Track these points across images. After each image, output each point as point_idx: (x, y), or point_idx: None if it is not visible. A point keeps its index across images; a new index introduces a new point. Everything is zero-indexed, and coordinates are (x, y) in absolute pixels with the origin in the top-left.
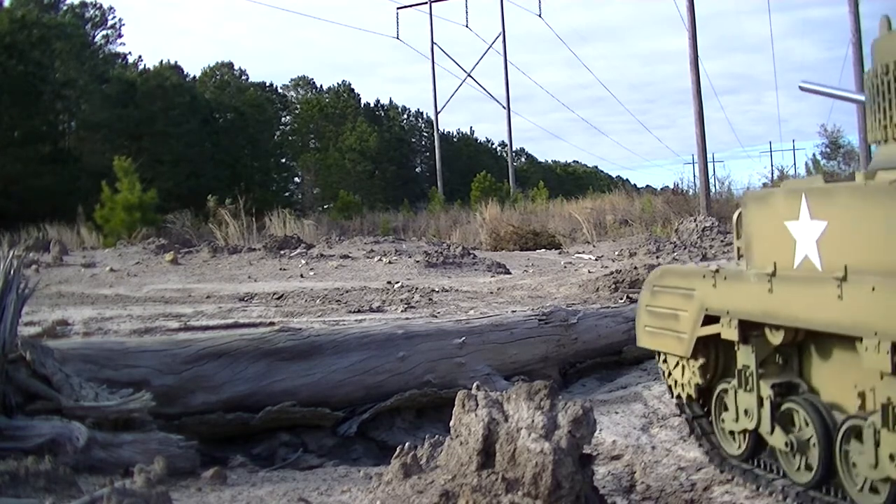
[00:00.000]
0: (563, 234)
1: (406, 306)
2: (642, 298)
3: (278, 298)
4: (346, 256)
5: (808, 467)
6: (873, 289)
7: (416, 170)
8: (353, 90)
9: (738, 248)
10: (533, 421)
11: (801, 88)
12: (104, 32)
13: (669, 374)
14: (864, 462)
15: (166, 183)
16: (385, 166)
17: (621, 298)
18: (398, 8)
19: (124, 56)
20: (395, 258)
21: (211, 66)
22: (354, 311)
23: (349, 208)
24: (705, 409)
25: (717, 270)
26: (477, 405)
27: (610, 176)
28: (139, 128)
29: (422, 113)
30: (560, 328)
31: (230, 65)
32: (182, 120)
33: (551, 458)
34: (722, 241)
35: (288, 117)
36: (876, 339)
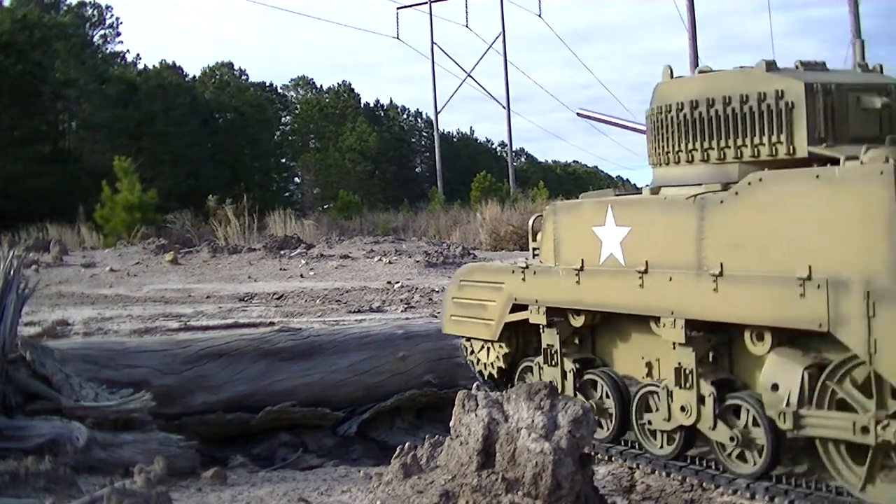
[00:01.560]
0: None
1: (406, 306)
2: (449, 292)
3: (278, 298)
4: (346, 256)
5: (605, 427)
6: (671, 279)
7: (416, 170)
8: (353, 90)
9: (534, 249)
10: (533, 421)
11: (579, 115)
12: (102, 32)
13: (473, 353)
14: (658, 418)
15: (166, 183)
16: (385, 166)
17: None
18: (398, 8)
19: (122, 55)
20: (395, 258)
21: (211, 66)
22: (354, 311)
23: (349, 208)
24: (508, 385)
25: (526, 266)
26: (477, 405)
27: (610, 176)
28: (139, 128)
29: (421, 113)
30: None
31: (230, 65)
32: (182, 120)
33: (551, 458)
34: None
35: (288, 117)
36: (672, 317)
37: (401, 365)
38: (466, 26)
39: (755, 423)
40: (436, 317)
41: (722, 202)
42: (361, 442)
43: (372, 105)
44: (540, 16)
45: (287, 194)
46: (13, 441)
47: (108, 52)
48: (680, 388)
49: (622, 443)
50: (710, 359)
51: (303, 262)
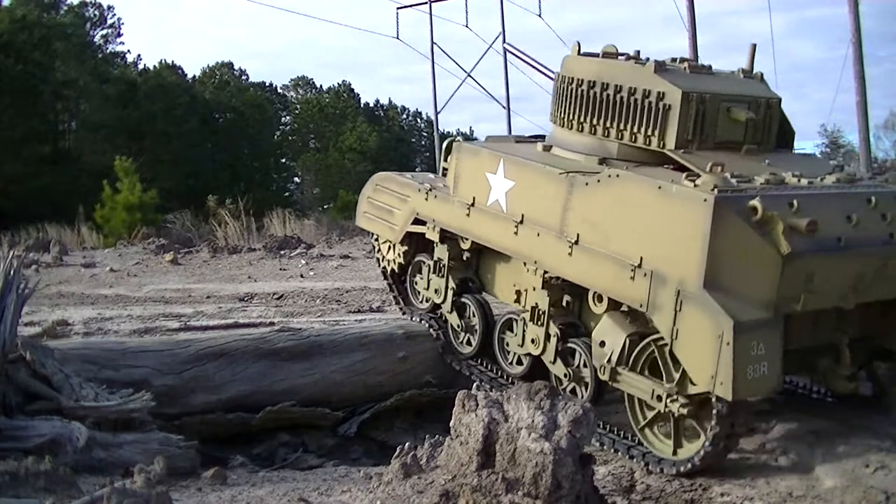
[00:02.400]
0: None
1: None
2: (365, 191)
3: (278, 298)
4: (346, 256)
5: (470, 343)
6: (538, 234)
7: (417, 170)
8: (353, 90)
9: (444, 169)
10: (533, 421)
11: (505, 49)
12: (103, 32)
13: (380, 251)
14: (514, 341)
15: (166, 183)
16: (385, 166)
17: None
18: (398, 8)
19: (123, 55)
20: None
21: (211, 66)
22: (354, 311)
23: (349, 208)
24: (402, 279)
25: (430, 189)
26: (477, 405)
27: None
28: (139, 128)
29: (421, 113)
30: None
31: (230, 65)
32: (182, 120)
33: (551, 458)
34: None
35: (288, 117)
36: (535, 266)
37: (401, 365)
38: (466, 26)
39: (585, 366)
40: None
41: (587, 185)
42: (361, 442)
43: (372, 105)
44: (540, 16)
45: (287, 194)
46: (13, 441)
47: (108, 52)
48: (534, 323)
49: (482, 361)
50: (563, 304)
51: (303, 262)
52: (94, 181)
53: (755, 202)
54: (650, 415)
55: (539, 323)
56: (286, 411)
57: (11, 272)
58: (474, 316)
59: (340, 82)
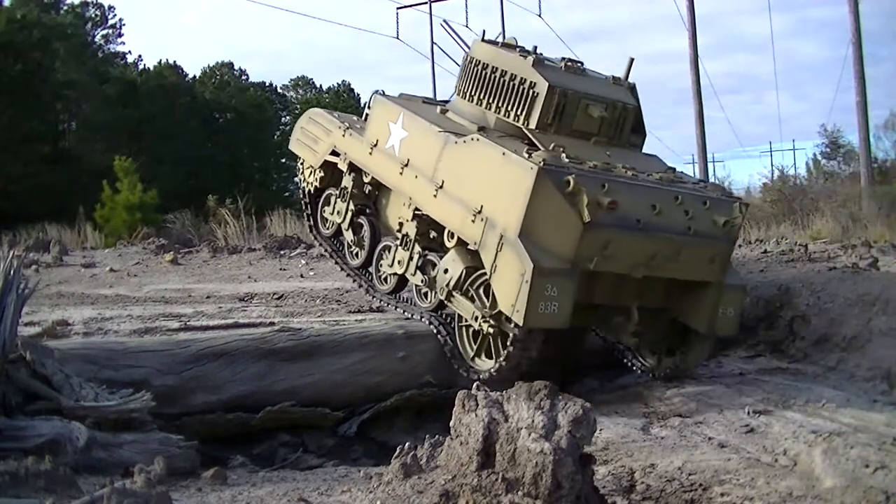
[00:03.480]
0: None
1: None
2: (301, 121)
3: (278, 298)
4: None
5: (358, 256)
6: (416, 177)
7: None
8: (352, 90)
9: (366, 115)
10: (533, 421)
11: (442, 26)
12: (104, 32)
13: (302, 173)
14: (385, 264)
15: (166, 183)
16: None
17: None
18: (398, 8)
19: (123, 55)
20: None
21: (211, 66)
22: (354, 311)
23: None
24: (316, 204)
25: (349, 127)
26: (477, 405)
27: None
28: (139, 128)
29: None
30: None
31: (230, 65)
32: (182, 120)
33: (551, 458)
34: None
35: (288, 117)
36: (410, 201)
37: (401, 365)
38: (466, 26)
39: (429, 278)
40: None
41: (455, 143)
42: (361, 442)
43: None
44: (540, 16)
45: (287, 194)
46: (13, 441)
47: (108, 52)
48: (402, 248)
49: (366, 274)
50: (428, 236)
51: (303, 262)
52: (94, 181)
53: (570, 177)
54: (469, 334)
55: (406, 248)
56: (286, 411)
57: (11, 272)
58: (365, 235)
59: (340, 82)
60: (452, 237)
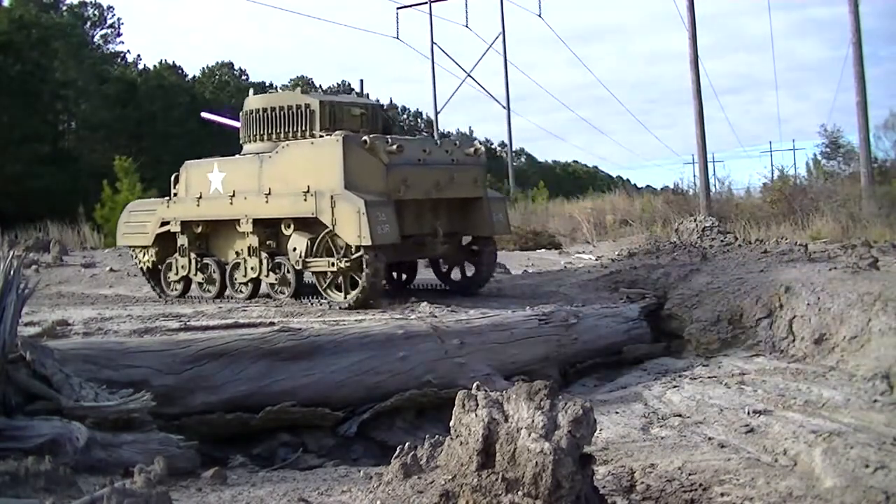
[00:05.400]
0: (563, 234)
1: (406, 306)
2: (122, 219)
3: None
4: None
5: (212, 290)
6: (245, 198)
7: None
8: (352, 90)
9: (175, 193)
10: (533, 421)
11: (202, 118)
12: (103, 32)
13: (136, 256)
14: (240, 276)
15: (167, 183)
16: None
17: (621, 298)
18: (398, 8)
19: (123, 55)
20: None
21: (211, 66)
22: (354, 311)
23: None
24: (158, 276)
25: (170, 199)
26: (477, 405)
27: (610, 176)
28: (139, 128)
29: (422, 113)
30: (560, 328)
31: (230, 65)
32: (182, 120)
33: (551, 458)
34: (722, 240)
35: None
36: (247, 218)
37: (401, 365)
38: (466, 26)
39: (288, 272)
40: (436, 316)
41: (269, 156)
42: (361, 442)
43: None
44: (540, 16)
45: None
46: (13, 441)
47: (108, 52)
48: (249, 257)
49: (223, 295)
50: (266, 242)
51: None
52: (94, 181)
53: (366, 138)
54: (328, 281)
55: (254, 256)
56: (286, 411)
57: (11, 272)
58: (214, 272)
59: (340, 82)
60: (289, 226)
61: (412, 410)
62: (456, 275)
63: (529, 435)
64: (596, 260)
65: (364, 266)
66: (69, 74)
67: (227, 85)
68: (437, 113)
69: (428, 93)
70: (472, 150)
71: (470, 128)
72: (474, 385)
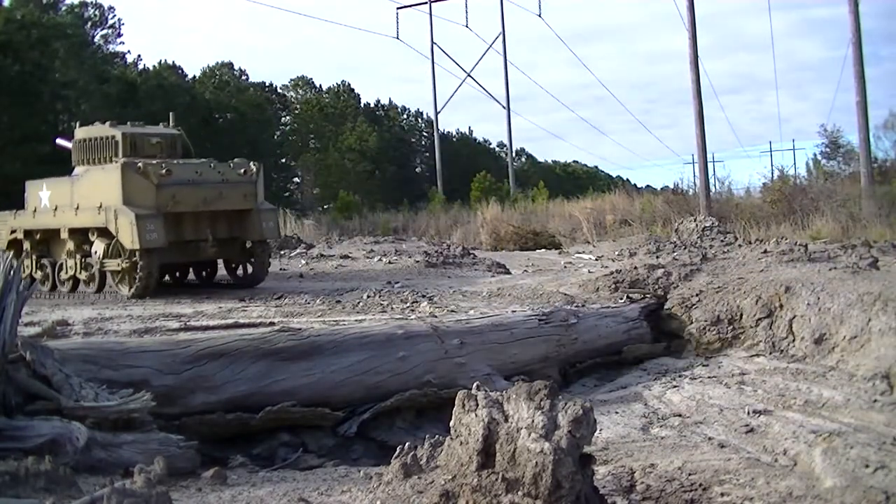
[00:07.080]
0: (564, 234)
1: (406, 306)
2: None
3: (278, 298)
4: (346, 256)
5: (47, 282)
6: (64, 212)
7: (416, 170)
8: (352, 90)
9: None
10: (533, 421)
11: (56, 144)
12: (103, 32)
13: None
14: (63, 275)
15: None
16: (385, 166)
17: (621, 298)
18: (398, 8)
19: (123, 56)
20: (394, 258)
21: (211, 66)
22: (354, 312)
23: (349, 208)
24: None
25: (16, 211)
26: (477, 405)
27: (610, 176)
28: None
29: (422, 113)
30: (560, 328)
31: (230, 65)
32: (182, 120)
33: (551, 458)
34: (722, 240)
35: (288, 117)
36: (65, 227)
37: (401, 365)
38: (466, 26)
39: (94, 270)
40: (436, 316)
41: (77, 177)
42: (361, 442)
43: (372, 105)
44: (540, 16)
45: (287, 194)
46: (13, 441)
47: (108, 52)
48: (68, 258)
49: (56, 290)
50: (81, 245)
51: (303, 262)
52: None
53: (139, 164)
54: (118, 277)
55: (71, 258)
56: (286, 411)
57: (11, 272)
58: (51, 270)
59: (340, 82)
60: (94, 234)
61: (412, 410)
62: (241, 272)
63: (529, 435)
64: (596, 260)
65: (139, 266)
66: (69, 74)
67: (227, 85)
68: (437, 113)
69: (428, 93)
70: (242, 170)
71: (470, 127)
72: (474, 385)
